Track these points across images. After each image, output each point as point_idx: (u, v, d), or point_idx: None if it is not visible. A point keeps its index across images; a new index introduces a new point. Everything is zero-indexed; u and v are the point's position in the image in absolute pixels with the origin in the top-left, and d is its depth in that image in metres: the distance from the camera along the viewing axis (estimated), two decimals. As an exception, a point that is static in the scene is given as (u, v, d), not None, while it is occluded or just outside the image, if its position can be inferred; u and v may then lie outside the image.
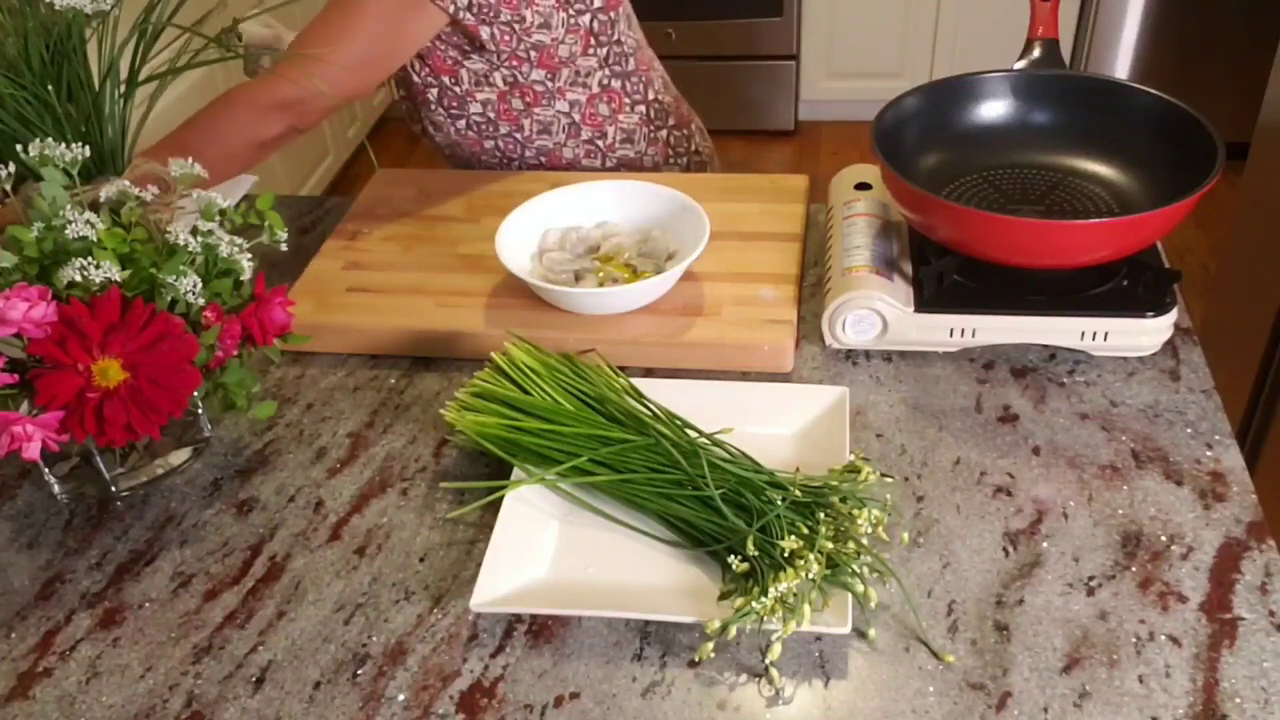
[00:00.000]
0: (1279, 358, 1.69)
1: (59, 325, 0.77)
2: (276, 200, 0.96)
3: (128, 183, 0.90)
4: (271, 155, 1.21)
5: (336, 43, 1.15)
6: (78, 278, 0.79)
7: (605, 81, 1.35)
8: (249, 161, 1.19)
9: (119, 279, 0.81)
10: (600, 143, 1.38)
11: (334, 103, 1.18)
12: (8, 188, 0.89)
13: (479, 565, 0.80)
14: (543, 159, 1.37)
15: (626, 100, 1.37)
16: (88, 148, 0.91)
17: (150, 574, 0.86)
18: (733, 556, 0.78)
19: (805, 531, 0.78)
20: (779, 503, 0.80)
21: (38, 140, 0.90)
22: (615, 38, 1.33)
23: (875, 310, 0.99)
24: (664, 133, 1.42)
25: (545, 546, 0.84)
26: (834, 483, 0.83)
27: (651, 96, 1.40)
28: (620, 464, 0.86)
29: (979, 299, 0.99)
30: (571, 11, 1.27)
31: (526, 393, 0.91)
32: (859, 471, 0.83)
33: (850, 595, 0.76)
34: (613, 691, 0.75)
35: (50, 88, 0.97)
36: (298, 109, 1.17)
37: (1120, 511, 0.85)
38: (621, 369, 0.95)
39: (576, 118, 1.35)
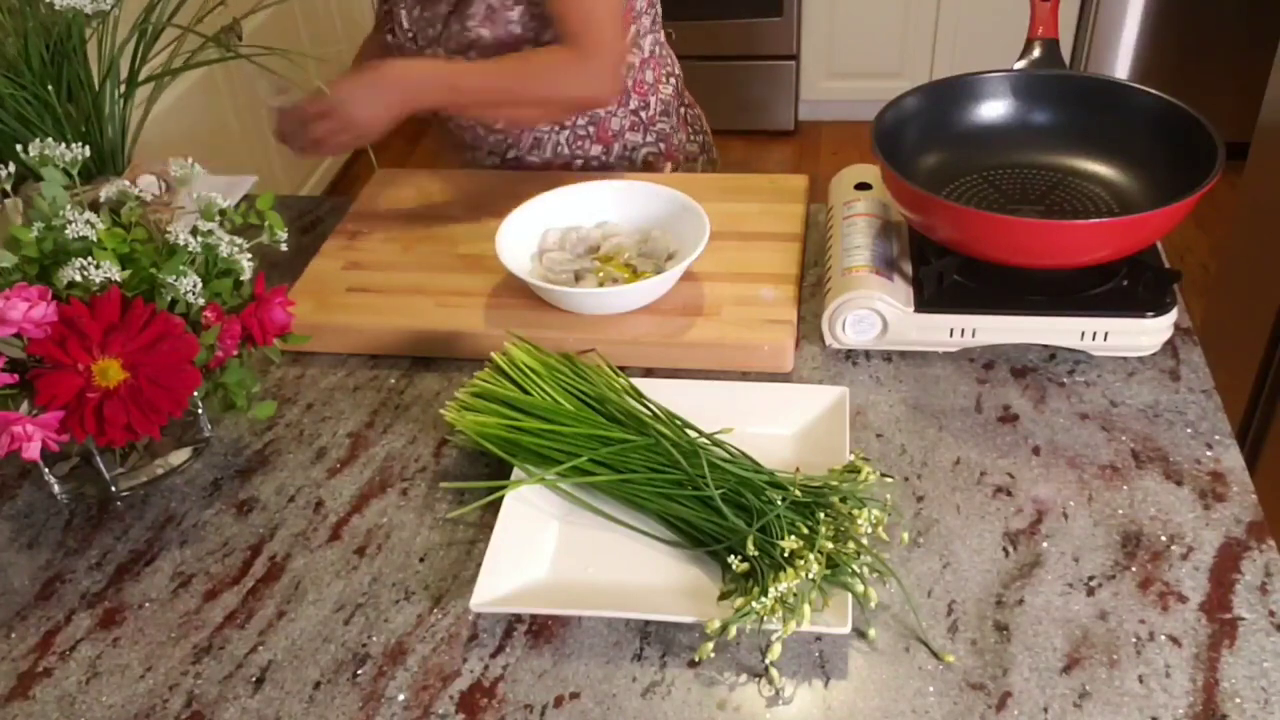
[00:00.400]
0: (1279, 358, 1.69)
1: (59, 325, 0.77)
2: (276, 200, 0.96)
3: (128, 182, 0.90)
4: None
5: (612, 22, 1.19)
6: (78, 278, 0.79)
7: (653, 47, 1.34)
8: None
9: (119, 279, 0.81)
10: (644, 114, 1.37)
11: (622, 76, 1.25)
12: (8, 187, 0.90)
13: (479, 565, 0.80)
14: (591, 129, 1.35)
15: (664, 70, 1.36)
16: (88, 148, 0.92)
17: (150, 574, 0.86)
18: (733, 556, 0.78)
19: (805, 531, 0.78)
20: (779, 503, 0.80)
21: (38, 140, 0.90)
22: None
23: (875, 310, 0.99)
24: (683, 110, 1.42)
25: (545, 546, 0.84)
26: (834, 483, 0.83)
27: (677, 71, 1.41)
28: (620, 464, 0.86)
29: (979, 299, 0.99)
30: None
31: (526, 393, 0.91)
32: (859, 471, 0.83)
33: (850, 595, 0.76)
34: (613, 691, 0.75)
35: (50, 88, 0.97)
36: (600, 101, 1.25)
37: (1120, 511, 0.85)
38: (621, 369, 0.95)
39: (629, 83, 1.34)
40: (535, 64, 1.19)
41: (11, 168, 0.89)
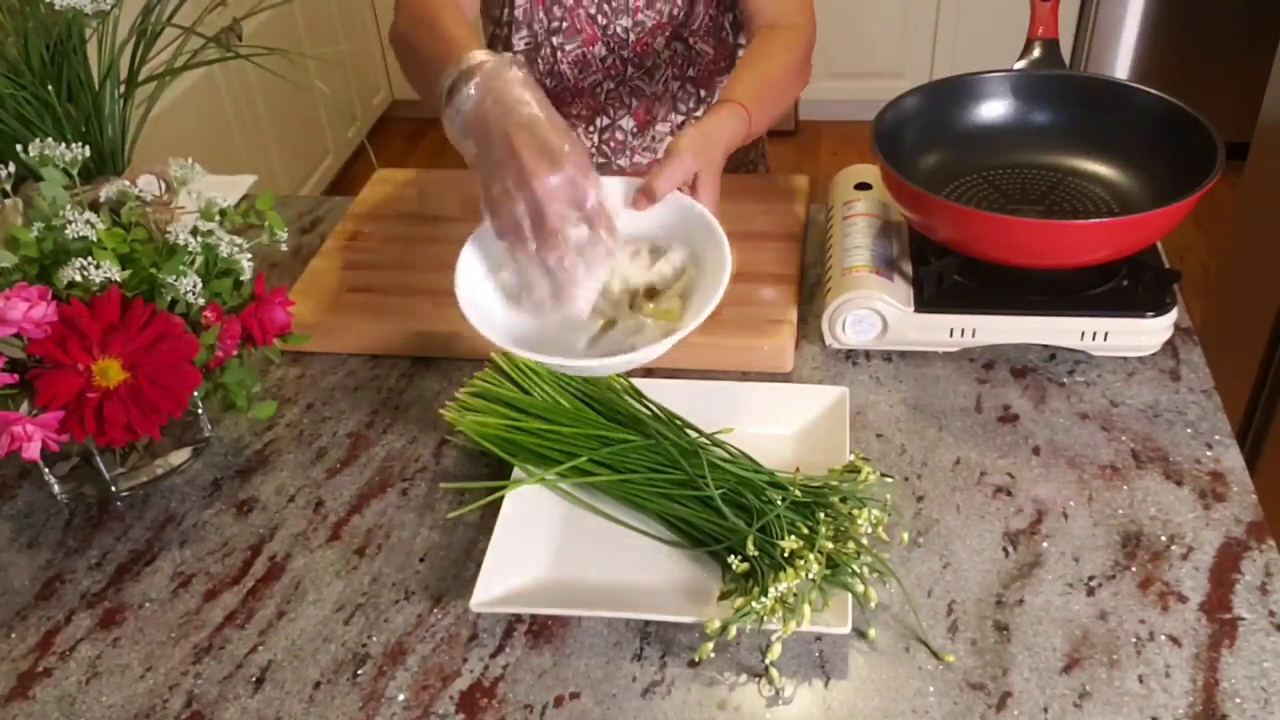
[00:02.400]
0: (1279, 358, 1.69)
1: (59, 325, 0.77)
2: (276, 200, 0.96)
3: (128, 182, 0.90)
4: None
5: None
6: (78, 278, 0.79)
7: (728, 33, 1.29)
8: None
9: (119, 279, 0.81)
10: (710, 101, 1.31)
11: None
12: (8, 187, 0.90)
13: (479, 565, 0.80)
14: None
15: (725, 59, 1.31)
16: (88, 148, 0.92)
17: (150, 574, 0.86)
18: (733, 556, 0.78)
19: (805, 531, 0.78)
20: (779, 503, 0.80)
21: (38, 140, 0.90)
22: None
23: (875, 310, 0.99)
24: None
25: (545, 546, 0.84)
26: (834, 483, 0.83)
27: None
28: (620, 464, 0.86)
29: (979, 299, 0.99)
30: None
31: (527, 393, 0.91)
32: (859, 471, 0.83)
33: (850, 595, 0.76)
34: (613, 691, 0.75)
35: (50, 88, 0.97)
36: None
37: (1120, 511, 0.85)
38: (621, 369, 0.95)
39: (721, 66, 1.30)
40: (796, 65, 1.10)
41: (11, 168, 0.89)
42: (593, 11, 1.21)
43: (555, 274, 0.83)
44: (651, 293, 0.89)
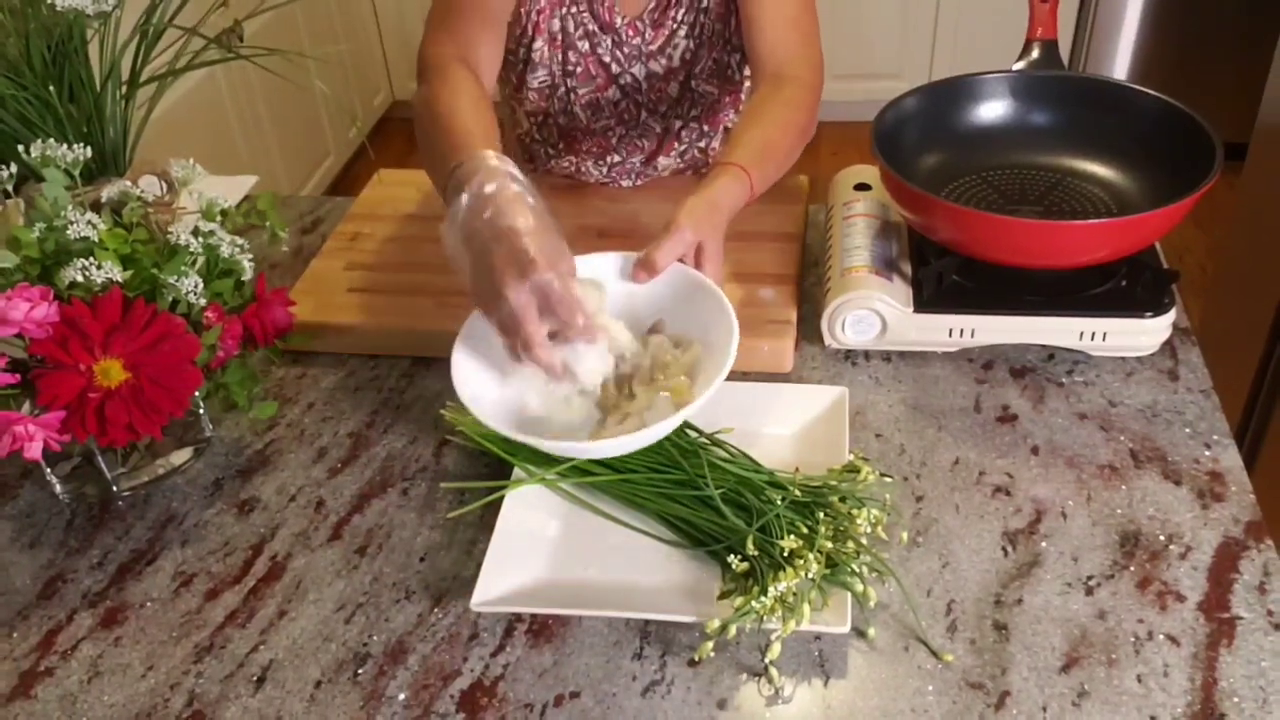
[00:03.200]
0: (1278, 357, 1.69)
1: (61, 325, 0.77)
2: (277, 200, 0.97)
3: (129, 183, 0.90)
4: None
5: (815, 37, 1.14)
6: (79, 278, 0.79)
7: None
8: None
9: (120, 279, 0.81)
10: (729, 127, 1.31)
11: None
12: (10, 188, 0.90)
13: (479, 565, 0.81)
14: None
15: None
16: (89, 148, 0.92)
17: (152, 573, 0.86)
18: (733, 556, 0.78)
19: (805, 531, 0.78)
20: (779, 502, 0.80)
21: (39, 141, 0.91)
22: None
23: (875, 310, 1.00)
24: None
25: (545, 546, 0.84)
26: (834, 482, 0.83)
27: None
28: (620, 464, 0.86)
29: (978, 299, 0.99)
30: None
31: (527, 393, 0.91)
32: (858, 471, 0.83)
33: (850, 595, 0.77)
34: (613, 691, 0.75)
35: (52, 88, 0.98)
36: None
37: (1119, 511, 0.86)
38: (621, 369, 0.95)
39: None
40: (803, 127, 1.09)
41: (13, 168, 0.90)
42: (606, 60, 1.21)
43: (550, 371, 0.84)
44: (657, 370, 0.88)
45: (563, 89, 1.24)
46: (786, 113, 1.06)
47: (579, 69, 1.22)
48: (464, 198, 0.85)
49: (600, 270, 0.91)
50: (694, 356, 0.88)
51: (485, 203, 0.84)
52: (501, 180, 0.85)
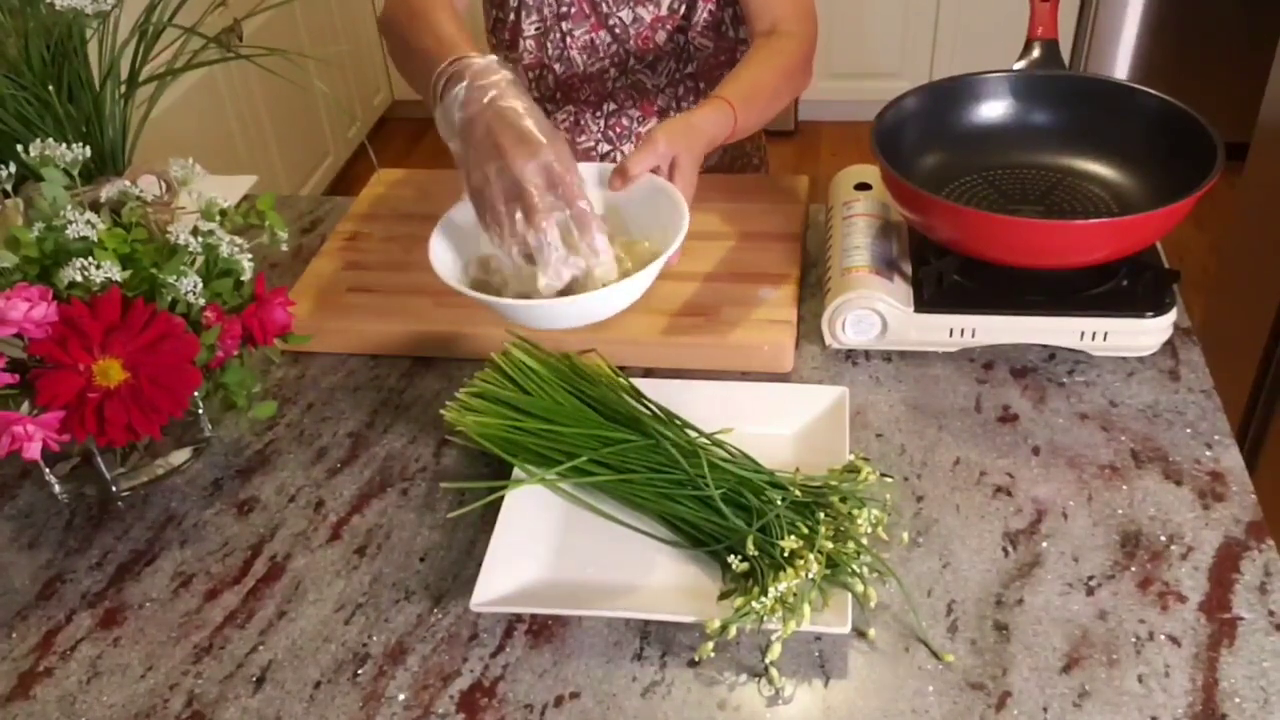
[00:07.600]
0: (1279, 357, 1.69)
1: (60, 325, 0.77)
2: (277, 200, 0.96)
3: (128, 182, 0.90)
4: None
5: None
6: (78, 278, 0.79)
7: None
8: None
9: (120, 279, 0.81)
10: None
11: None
12: (9, 188, 0.90)
13: (479, 565, 0.81)
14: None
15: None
16: (88, 148, 0.92)
17: (151, 574, 0.86)
18: (733, 556, 0.78)
19: (805, 531, 0.78)
20: (779, 503, 0.80)
21: (38, 140, 0.90)
22: None
23: (875, 310, 1.00)
24: None
25: (545, 546, 0.84)
26: (834, 483, 0.83)
27: None
28: (620, 464, 0.86)
29: (979, 299, 0.99)
30: None
31: (527, 393, 0.91)
32: (859, 471, 0.83)
33: (850, 595, 0.77)
34: (613, 691, 0.75)
35: (51, 88, 0.98)
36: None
37: (1120, 511, 0.85)
38: (621, 369, 0.95)
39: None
40: (791, 71, 1.12)
41: (12, 168, 0.90)
42: (596, 0, 1.24)
43: (537, 251, 0.86)
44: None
45: (557, 33, 1.26)
46: (778, 59, 1.12)
47: (572, 9, 1.25)
48: (462, 85, 0.88)
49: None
50: (643, 251, 0.92)
51: (485, 89, 0.87)
52: (499, 72, 0.89)
